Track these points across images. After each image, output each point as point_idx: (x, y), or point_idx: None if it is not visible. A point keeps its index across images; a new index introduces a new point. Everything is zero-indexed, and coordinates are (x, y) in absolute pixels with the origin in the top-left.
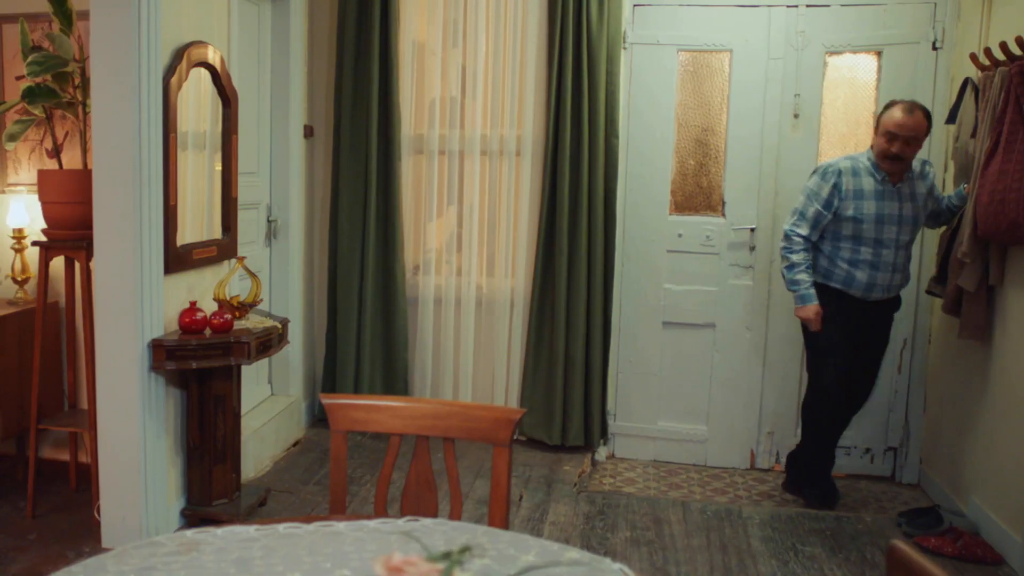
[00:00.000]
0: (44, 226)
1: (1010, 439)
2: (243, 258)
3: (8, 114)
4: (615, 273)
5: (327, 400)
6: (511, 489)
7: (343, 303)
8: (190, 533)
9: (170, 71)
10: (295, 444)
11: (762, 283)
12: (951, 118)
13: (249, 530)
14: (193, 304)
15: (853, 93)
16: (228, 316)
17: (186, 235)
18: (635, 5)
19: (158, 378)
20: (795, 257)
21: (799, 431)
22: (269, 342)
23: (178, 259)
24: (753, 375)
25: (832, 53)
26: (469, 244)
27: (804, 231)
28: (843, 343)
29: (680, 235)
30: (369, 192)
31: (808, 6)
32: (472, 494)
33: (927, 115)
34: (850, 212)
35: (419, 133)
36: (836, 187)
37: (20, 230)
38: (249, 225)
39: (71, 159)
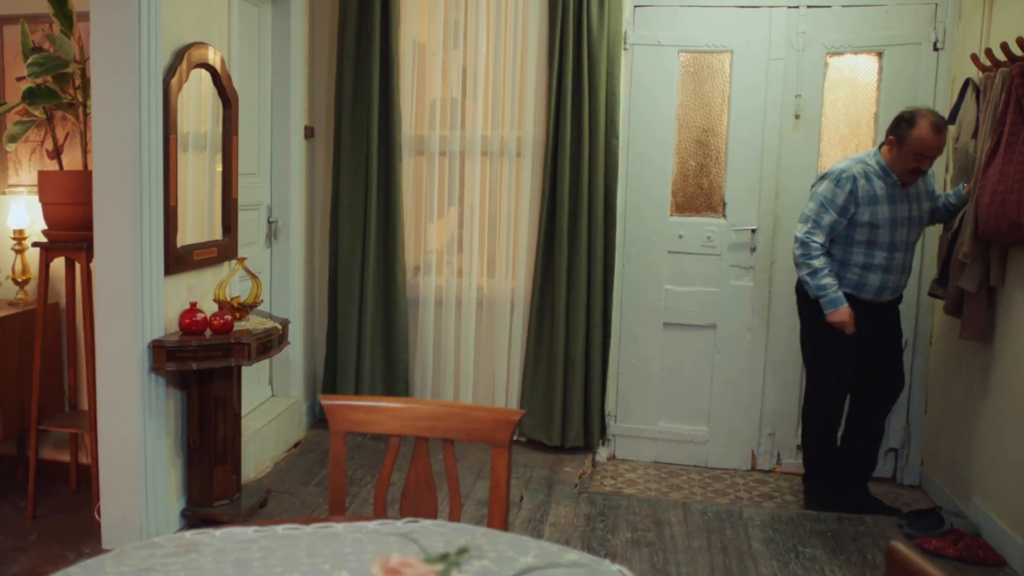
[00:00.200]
0: (44, 227)
1: (1011, 440)
2: (243, 259)
3: (9, 115)
4: (616, 274)
5: (326, 401)
6: (512, 490)
7: (344, 304)
8: (189, 534)
9: (170, 72)
10: (296, 445)
11: (763, 284)
12: (952, 119)
13: (248, 531)
14: (193, 305)
15: (854, 94)
16: (228, 317)
17: (186, 236)
18: (636, 6)
19: (158, 379)
20: (816, 263)
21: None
22: (269, 343)
23: (178, 260)
24: (754, 376)
25: (833, 54)
26: (470, 245)
27: (820, 239)
28: (850, 348)
29: (681, 236)
30: (370, 193)
31: (809, 7)
32: (473, 495)
33: (947, 124)
34: (866, 218)
35: (420, 134)
36: (852, 193)
37: (21, 231)
38: (250, 226)
39: (71, 160)
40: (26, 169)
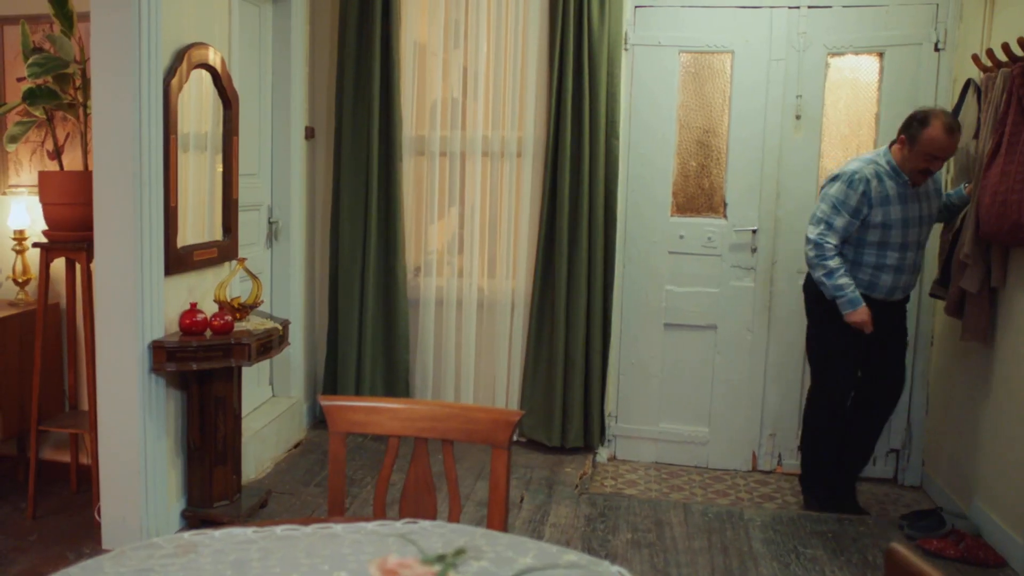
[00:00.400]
0: (45, 227)
1: (1013, 441)
2: (244, 259)
3: (9, 116)
4: (616, 274)
5: (325, 402)
6: (512, 491)
7: (344, 304)
8: (187, 535)
9: (170, 73)
10: (296, 446)
11: (764, 285)
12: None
13: (247, 532)
14: (193, 306)
15: (855, 94)
16: (228, 318)
17: (187, 236)
18: (636, 6)
19: (158, 379)
20: (832, 263)
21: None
22: (270, 344)
23: (179, 260)
24: (755, 377)
25: (834, 54)
26: (470, 245)
27: (834, 240)
28: (855, 348)
29: (681, 236)
30: (370, 193)
31: (810, 7)
32: (473, 496)
33: (959, 126)
34: (879, 219)
35: (420, 134)
36: (865, 195)
37: (21, 231)
38: (250, 226)
39: (72, 161)
40: (26, 169)
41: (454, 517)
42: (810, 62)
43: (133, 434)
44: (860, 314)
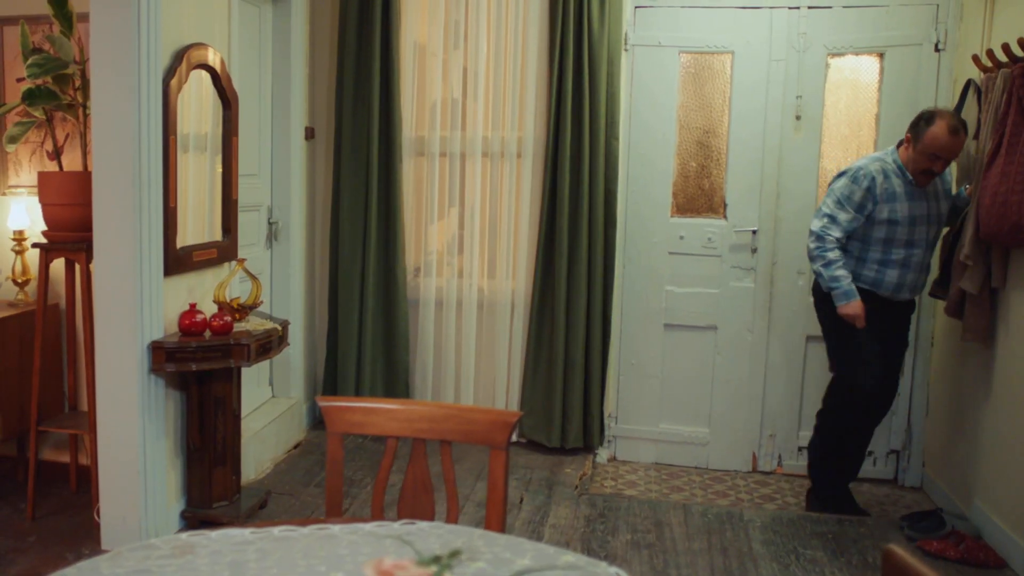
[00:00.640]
0: (44, 228)
1: (1013, 442)
2: (243, 260)
3: (9, 116)
4: (616, 275)
5: (323, 403)
6: (511, 492)
7: (344, 305)
8: (185, 536)
9: (170, 73)
10: (296, 446)
11: (764, 285)
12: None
13: (244, 533)
14: (193, 306)
15: (855, 95)
16: (228, 318)
17: (186, 237)
18: (636, 7)
19: (158, 380)
20: (831, 255)
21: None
22: (269, 344)
23: (178, 261)
24: (755, 377)
25: (834, 55)
26: (470, 246)
27: (836, 233)
28: (874, 340)
29: (681, 237)
30: (370, 194)
31: (810, 8)
32: (473, 496)
33: (965, 129)
34: (885, 215)
35: (420, 135)
36: (870, 191)
37: (21, 232)
38: (250, 227)
39: (71, 161)
40: (26, 170)
41: (452, 518)
42: (810, 62)
43: (132, 435)
44: (853, 307)
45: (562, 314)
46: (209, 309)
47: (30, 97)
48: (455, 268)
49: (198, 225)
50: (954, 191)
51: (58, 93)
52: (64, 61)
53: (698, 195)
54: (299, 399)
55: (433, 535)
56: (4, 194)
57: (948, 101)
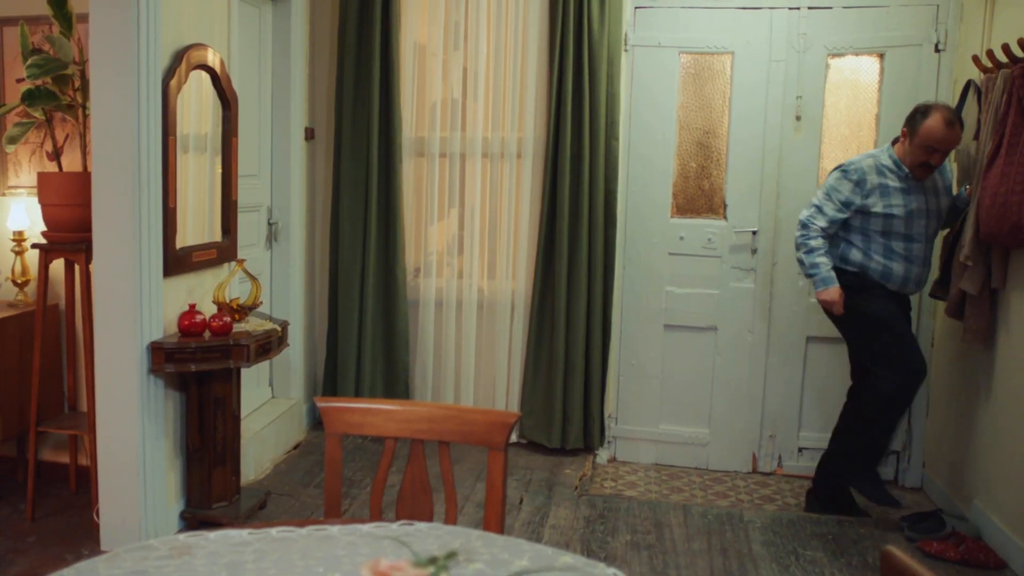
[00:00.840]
0: (44, 228)
1: (1014, 443)
2: (243, 261)
3: (8, 117)
4: (616, 276)
5: (322, 403)
6: (511, 492)
7: (344, 306)
8: (182, 537)
9: (169, 73)
10: (296, 447)
11: (764, 286)
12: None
13: (242, 534)
14: (192, 307)
15: (855, 95)
16: (227, 319)
17: (186, 238)
18: (636, 7)
19: (157, 380)
20: (814, 242)
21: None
22: (269, 345)
23: (177, 262)
24: (755, 378)
25: (834, 55)
26: (470, 246)
27: (822, 223)
28: (897, 315)
29: (681, 238)
30: (370, 194)
31: (810, 8)
32: (473, 497)
33: (960, 123)
34: (879, 208)
35: (420, 135)
36: (859, 185)
37: (20, 233)
38: (250, 228)
39: (71, 162)
40: (26, 170)
41: (451, 519)
42: (810, 63)
43: (132, 435)
44: (830, 293)
45: (562, 315)
46: (209, 310)
47: (30, 98)
48: (455, 268)
49: (198, 226)
50: (955, 191)
51: (58, 94)
52: (64, 62)
53: (698, 195)
54: (299, 399)
55: (431, 536)
56: (4, 195)
57: (948, 102)
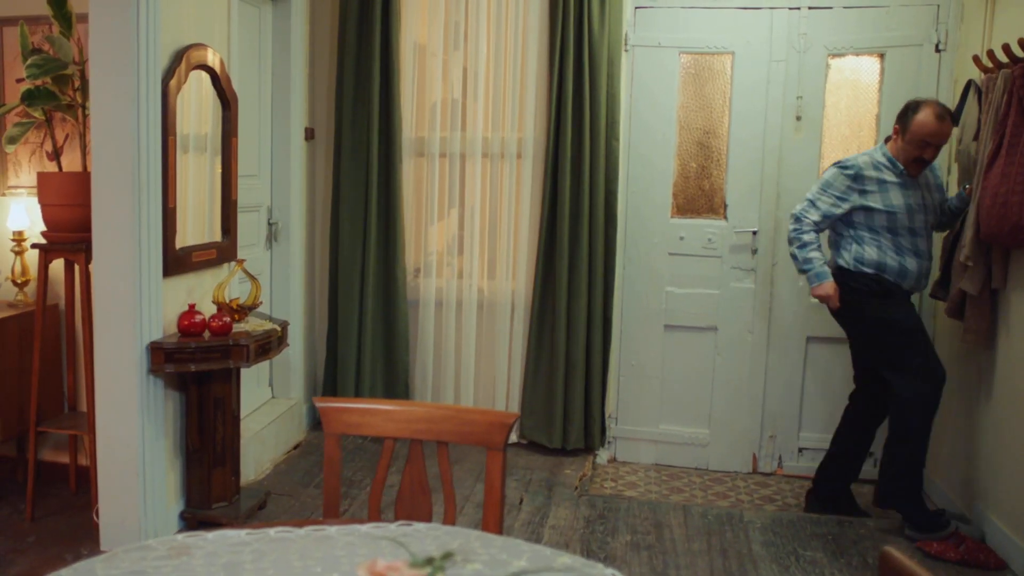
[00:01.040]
0: (44, 228)
1: (1014, 444)
2: (243, 261)
3: (8, 117)
4: (616, 276)
5: (320, 404)
6: (510, 493)
7: (344, 306)
8: (181, 537)
9: (169, 74)
10: (296, 447)
11: (764, 286)
12: (954, 120)
13: (240, 534)
14: (192, 307)
15: (856, 95)
16: (227, 319)
17: (186, 238)
18: (636, 7)
19: (157, 381)
20: (807, 237)
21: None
22: (268, 345)
23: (177, 262)
24: (755, 378)
25: (834, 55)
26: (470, 246)
27: (815, 217)
28: (921, 322)
29: (682, 238)
30: (370, 195)
31: (810, 8)
32: (472, 497)
33: (952, 117)
34: (879, 204)
35: (420, 135)
36: (856, 180)
37: (20, 233)
38: (250, 228)
39: (71, 162)
40: (25, 170)
41: (450, 519)
42: (811, 63)
43: (132, 435)
44: (826, 288)
45: (562, 315)
46: (208, 310)
47: (29, 98)
48: (455, 269)
49: (197, 226)
50: (955, 192)
51: (57, 94)
52: (63, 62)
53: (698, 196)
54: (299, 400)
55: (429, 536)
56: (4, 195)
57: (949, 102)
